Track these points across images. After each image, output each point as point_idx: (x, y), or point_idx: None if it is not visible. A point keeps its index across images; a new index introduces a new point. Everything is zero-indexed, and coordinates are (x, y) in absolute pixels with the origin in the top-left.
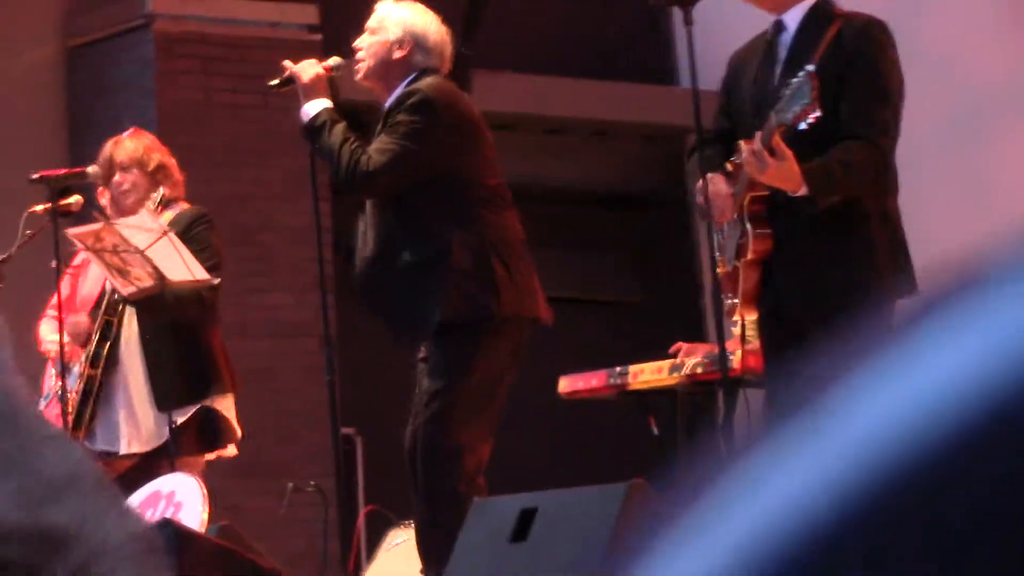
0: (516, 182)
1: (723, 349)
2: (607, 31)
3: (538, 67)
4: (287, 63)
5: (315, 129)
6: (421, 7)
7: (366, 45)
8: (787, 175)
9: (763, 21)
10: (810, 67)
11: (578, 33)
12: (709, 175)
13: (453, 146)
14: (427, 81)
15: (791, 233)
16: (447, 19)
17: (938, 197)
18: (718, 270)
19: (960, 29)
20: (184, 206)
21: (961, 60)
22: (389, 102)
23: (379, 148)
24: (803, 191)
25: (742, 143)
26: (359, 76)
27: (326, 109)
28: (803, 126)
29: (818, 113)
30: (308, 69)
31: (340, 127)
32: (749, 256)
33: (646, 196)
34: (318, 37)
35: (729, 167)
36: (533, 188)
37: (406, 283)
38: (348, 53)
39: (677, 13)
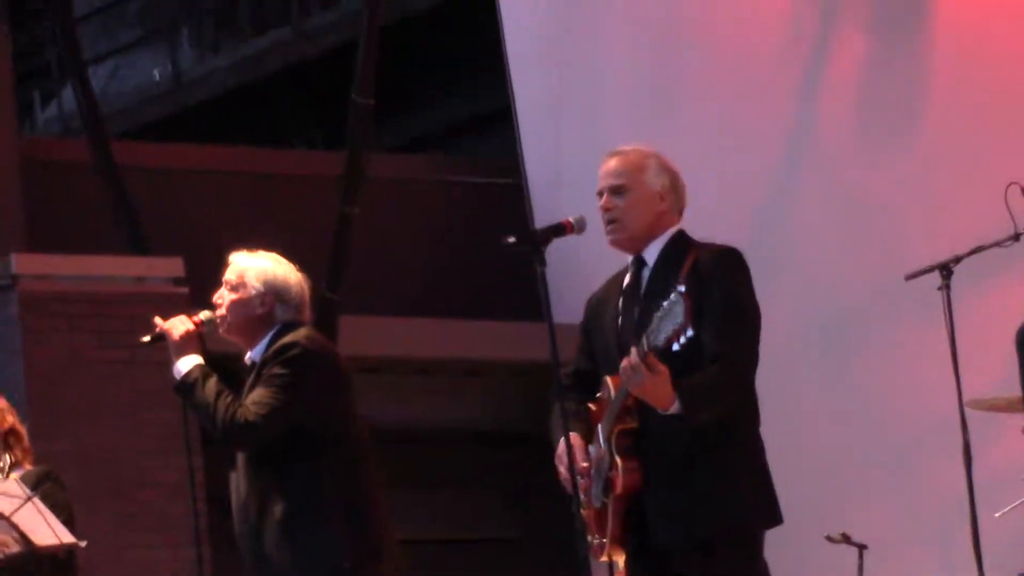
0: (387, 425)
1: None
2: (473, 272)
3: (405, 309)
4: (157, 320)
5: (188, 385)
6: (277, 257)
7: (227, 301)
8: (660, 390)
9: (619, 256)
10: (681, 288)
11: (443, 274)
12: (572, 439)
13: (326, 402)
14: (302, 332)
15: (659, 466)
16: (311, 265)
17: (807, 415)
18: (582, 511)
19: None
20: (28, 467)
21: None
22: (256, 354)
23: (257, 401)
24: (675, 408)
25: (607, 378)
26: (222, 331)
27: (198, 365)
28: (676, 347)
29: (691, 333)
30: (178, 326)
31: (212, 381)
32: (618, 491)
33: (520, 433)
34: (184, 290)
35: (592, 407)
36: (405, 430)
37: (283, 535)
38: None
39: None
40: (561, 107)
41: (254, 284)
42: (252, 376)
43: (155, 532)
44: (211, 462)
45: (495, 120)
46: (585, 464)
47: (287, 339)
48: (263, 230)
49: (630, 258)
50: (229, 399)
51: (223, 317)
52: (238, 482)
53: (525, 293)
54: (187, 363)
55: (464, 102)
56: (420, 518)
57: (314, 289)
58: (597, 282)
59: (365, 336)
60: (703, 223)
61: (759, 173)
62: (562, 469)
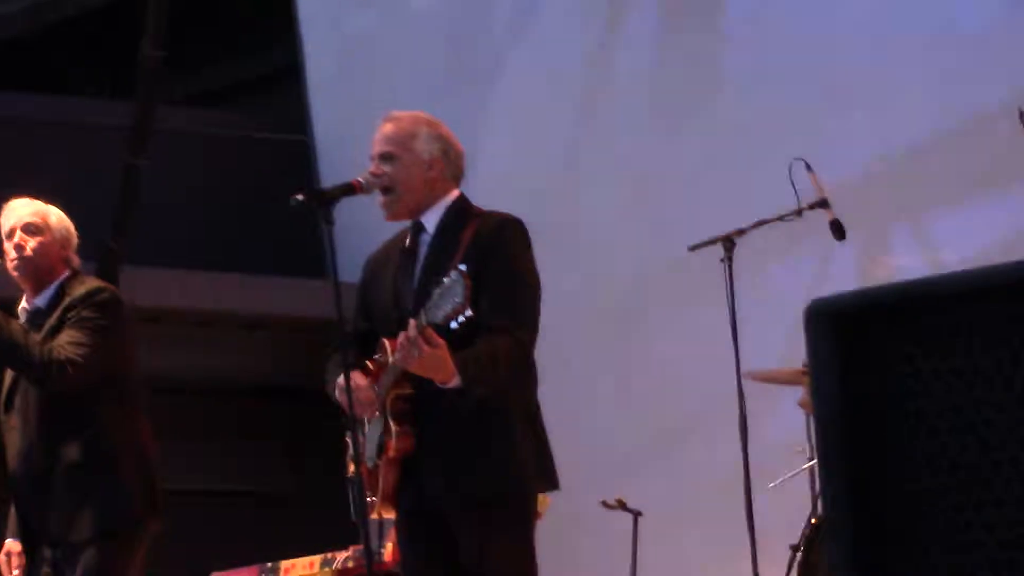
0: (165, 375)
1: (368, 546)
2: (257, 227)
3: (187, 262)
4: None
5: None
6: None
7: (32, 243)
8: (440, 364)
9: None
10: (462, 267)
11: (227, 229)
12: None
13: (128, 349)
14: (98, 280)
15: (436, 430)
16: (95, 214)
17: (588, 384)
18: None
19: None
20: None
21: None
22: (43, 300)
23: (73, 341)
24: (455, 381)
25: (385, 340)
26: (16, 274)
27: None
28: (454, 325)
29: (469, 313)
30: None
31: (16, 323)
32: (390, 454)
33: (297, 388)
34: None
35: (371, 365)
36: (182, 381)
37: (76, 482)
38: None
39: None
40: (352, 67)
41: (58, 226)
42: (52, 319)
43: None
44: None
45: (286, 77)
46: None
47: (92, 284)
48: (49, 179)
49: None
50: (39, 338)
51: (26, 258)
52: (16, 426)
53: (307, 250)
54: None
55: (255, 58)
56: (192, 469)
57: (97, 239)
58: (379, 241)
59: (146, 287)
60: (490, 193)
61: (548, 144)
62: (339, 394)
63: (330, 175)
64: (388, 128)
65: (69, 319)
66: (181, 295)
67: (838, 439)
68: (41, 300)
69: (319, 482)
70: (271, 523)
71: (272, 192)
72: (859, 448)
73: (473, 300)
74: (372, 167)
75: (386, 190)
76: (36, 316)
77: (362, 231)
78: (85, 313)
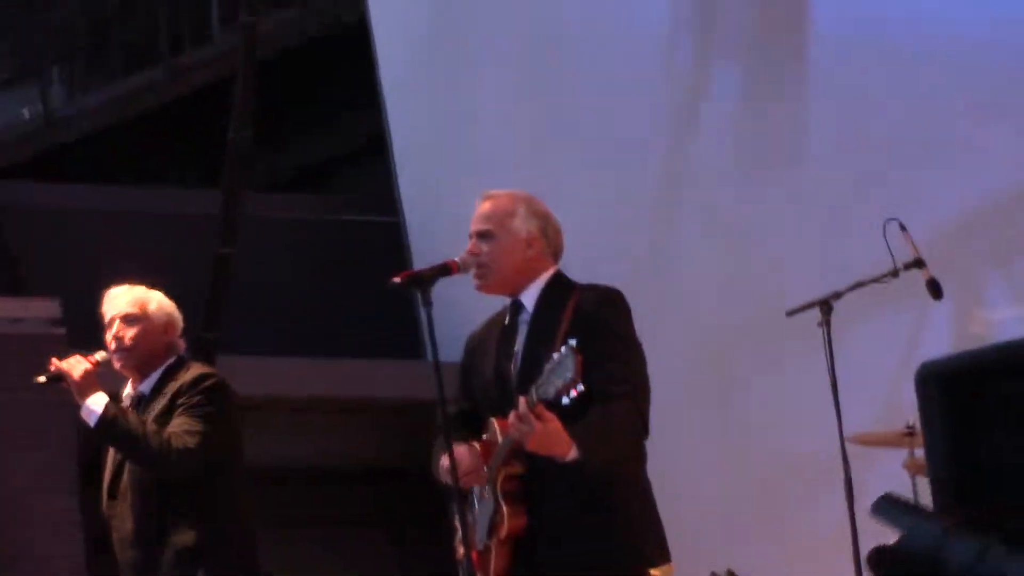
0: (264, 464)
1: None
2: (349, 310)
3: (280, 348)
4: (54, 360)
5: (109, 420)
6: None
7: (130, 333)
8: (555, 438)
9: (500, 299)
10: (572, 341)
11: (319, 313)
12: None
13: (235, 434)
14: (204, 367)
15: (550, 508)
16: (187, 303)
17: (690, 452)
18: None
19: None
20: None
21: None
22: (146, 387)
23: (187, 429)
24: (573, 454)
25: (492, 419)
26: (119, 366)
27: (109, 402)
28: (565, 400)
29: (581, 388)
30: (77, 365)
31: (133, 414)
32: (502, 535)
33: (397, 470)
34: (62, 331)
35: (477, 446)
36: (283, 469)
37: (186, 564)
38: (91, 345)
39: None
40: (437, 145)
41: (158, 314)
42: (159, 406)
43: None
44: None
45: (370, 157)
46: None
47: (199, 370)
48: (139, 269)
49: (508, 300)
50: (156, 428)
51: (126, 349)
52: (122, 514)
53: (402, 331)
54: (97, 401)
55: (339, 139)
56: (296, 557)
57: (191, 328)
58: (474, 320)
59: (242, 376)
60: (582, 264)
61: (637, 211)
62: (445, 472)
63: (421, 252)
64: (486, 206)
65: (179, 406)
66: (277, 382)
67: (952, 499)
68: (145, 386)
69: (422, 565)
70: None
71: (363, 273)
72: (969, 506)
73: (585, 383)
74: (470, 245)
75: (482, 267)
76: (140, 402)
77: (458, 309)
78: (195, 400)
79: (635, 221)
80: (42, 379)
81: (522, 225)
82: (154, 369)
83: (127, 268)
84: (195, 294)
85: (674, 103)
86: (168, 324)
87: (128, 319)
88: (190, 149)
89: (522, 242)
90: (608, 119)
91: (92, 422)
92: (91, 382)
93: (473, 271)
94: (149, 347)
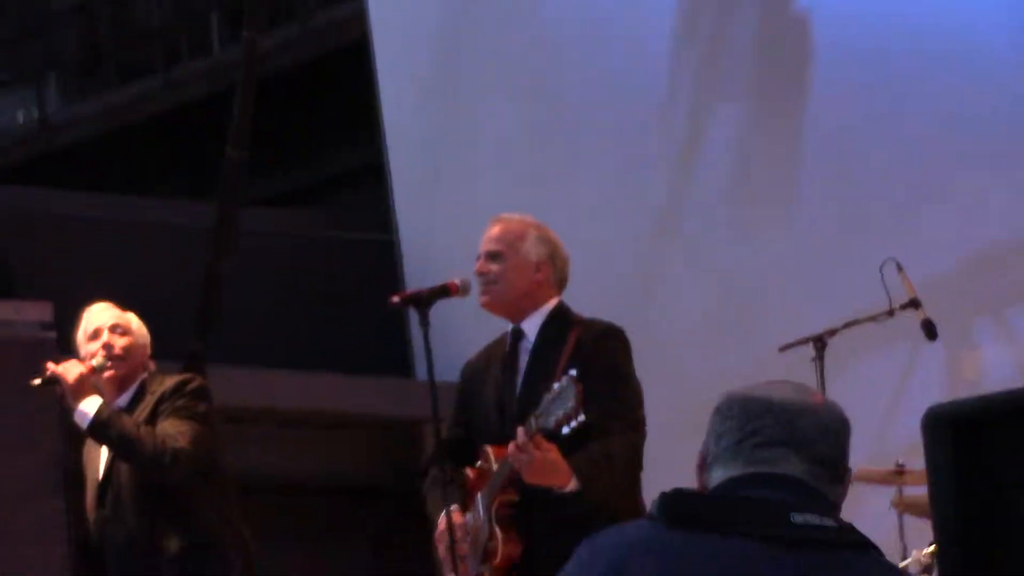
0: (250, 475)
1: None
2: (340, 326)
3: (271, 361)
4: (50, 364)
5: (103, 422)
6: None
7: (122, 345)
8: (554, 468)
9: (496, 323)
10: (572, 372)
11: (311, 328)
12: (452, 512)
13: (216, 436)
14: (183, 374)
15: (545, 536)
16: (178, 314)
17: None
18: None
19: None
20: None
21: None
22: (124, 399)
23: (180, 431)
24: (572, 484)
25: (488, 448)
26: (111, 374)
27: (104, 404)
28: (566, 430)
29: (582, 418)
30: (72, 369)
31: (126, 416)
32: (497, 561)
33: (381, 487)
34: (52, 334)
35: (470, 474)
36: (268, 480)
37: (182, 568)
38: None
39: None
40: (434, 166)
41: (141, 331)
42: (140, 414)
43: None
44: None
45: (370, 175)
46: (465, 546)
47: (178, 376)
48: (130, 276)
49: (510, 326)
50: (150, 429)
51: (119, 358)
52: (115, 523)
53: (392, 349)
54: (91, 404)
55: (338, 157)
56: (278, 570)
57: (181, 339)
58: (469, 342)
59: (230, 387)
60: (573, 299)
61: (631, 247)
62: (442, 548)
63: (413, 271)
64: (497, 229)
65: (163, 411)
66: (265, 395)
67: (955, 543)
68: (122, 400)
69: None
70: None
71: (354, 291)
72: (975, 552)
73: (585, 414)
74: (478, 264)
75: (489, 282)
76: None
77: (451, 330)
78: (180, 403)
79: (628, 256)
80: (38, 382)
81: (532, 249)
82: (132, 383)
83: (118, 274)
84: (185, 304)
85: (670, 142)
86: (146, 344)
87: (117, 329)
88: (184, 160)
89: (531, 265)
90: (604, 154)
91: (85, 424)
92: (86, 386)
93: (480, 286)
94: (136, 359)
